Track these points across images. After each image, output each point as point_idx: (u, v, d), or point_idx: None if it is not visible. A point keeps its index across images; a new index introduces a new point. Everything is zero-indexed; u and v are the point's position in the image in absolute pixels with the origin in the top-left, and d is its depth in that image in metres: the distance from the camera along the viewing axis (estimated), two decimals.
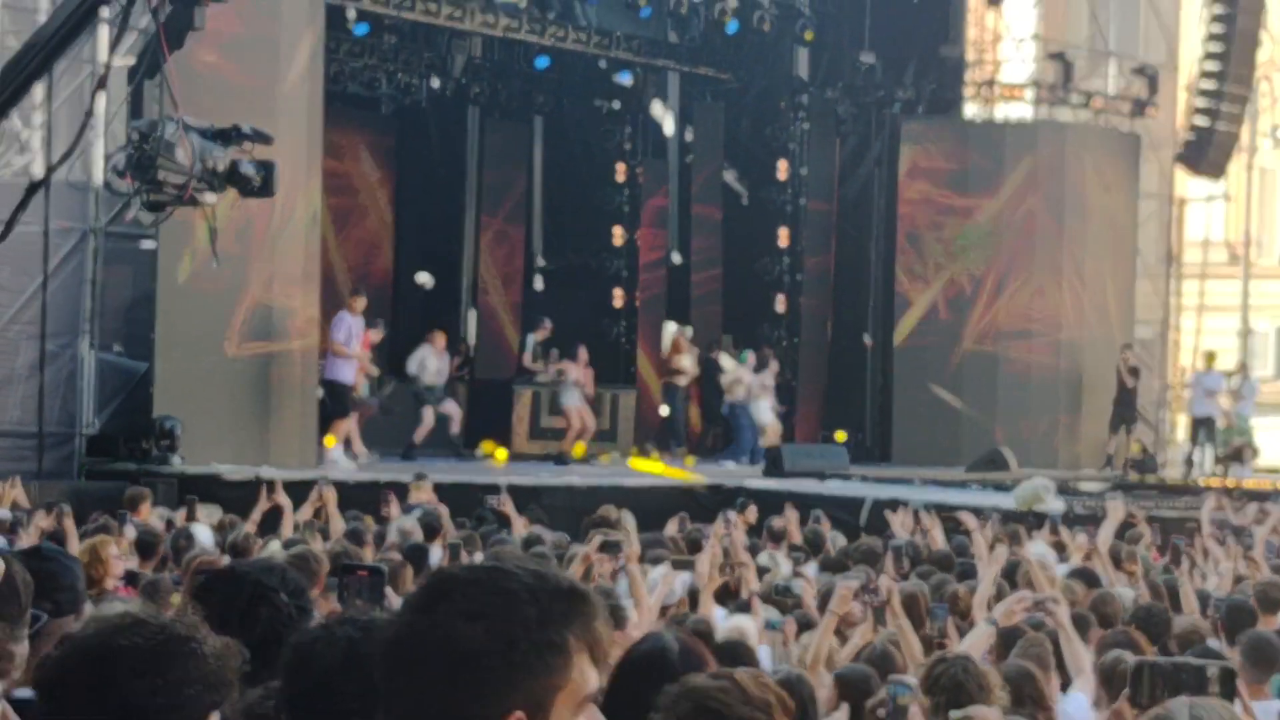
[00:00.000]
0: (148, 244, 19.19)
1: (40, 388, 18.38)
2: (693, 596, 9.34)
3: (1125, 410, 26.19)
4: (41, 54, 4.81)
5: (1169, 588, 10.79)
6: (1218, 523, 15.01)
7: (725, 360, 25.49)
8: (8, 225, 5.87)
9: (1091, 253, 26.55)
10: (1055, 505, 18.35)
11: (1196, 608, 10.30)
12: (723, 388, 25.09)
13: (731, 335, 26.80)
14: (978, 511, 14.99)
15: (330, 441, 20.18)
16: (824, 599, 8.68)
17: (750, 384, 24.64)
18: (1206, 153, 27.56)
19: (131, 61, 19.57)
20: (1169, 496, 21.04)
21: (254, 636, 3.79)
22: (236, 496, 15.51)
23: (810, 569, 11.68)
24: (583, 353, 23.78)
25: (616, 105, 28.06)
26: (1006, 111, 27.73)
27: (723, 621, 8.40)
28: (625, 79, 27.58)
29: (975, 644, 7.34)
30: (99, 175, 19.44)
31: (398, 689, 2.45)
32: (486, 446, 23.75)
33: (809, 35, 26.36)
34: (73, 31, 4.88)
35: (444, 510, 14.49)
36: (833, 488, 20.62)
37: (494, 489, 16.60)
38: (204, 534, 12.23)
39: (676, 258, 28.26)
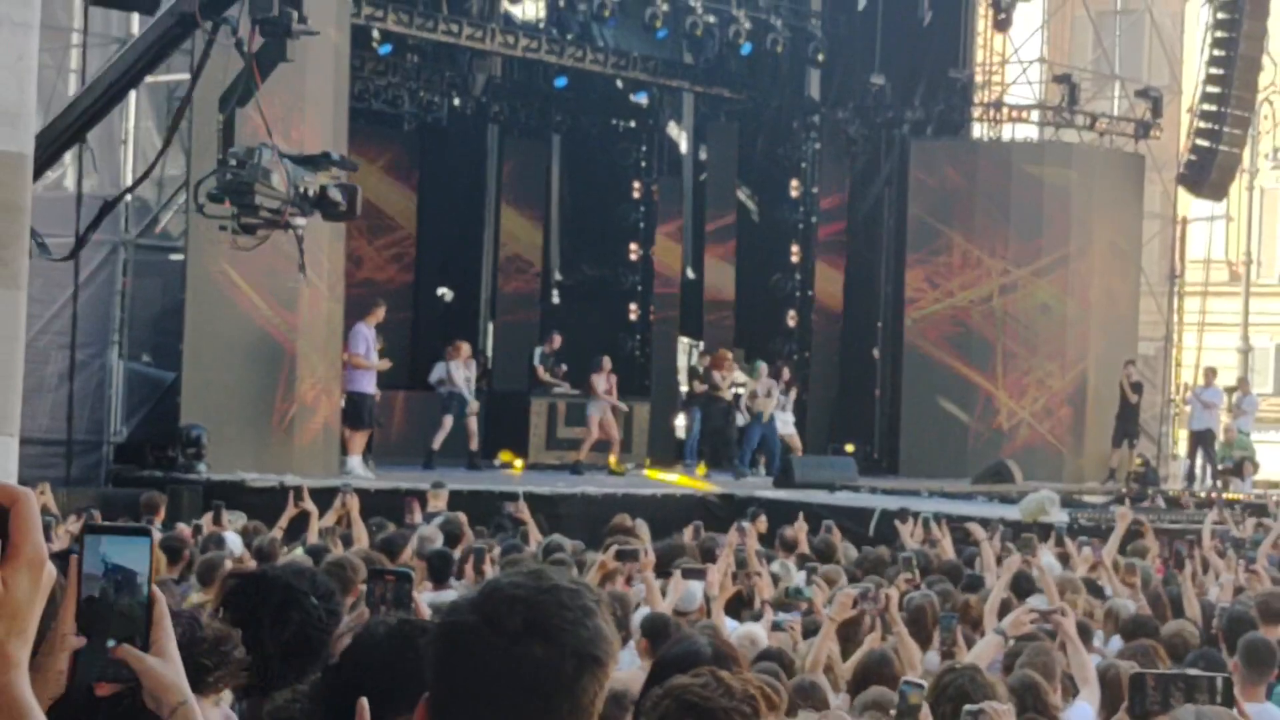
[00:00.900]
0: (176, 256, 19.59)
1: (69, 396, 18.61)
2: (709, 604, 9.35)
3: (1128, 425, 26.47)
4: (126, 78, 5.12)
5: (1172, 598, 10.96)
6: (1219, 535, 15.20)
7: (737, 374, 25.92)
8: (80, 242, 6.22)
9: (1096, 270, 26.93)
10: (1059, 517, 18.69)
11: (1199, 615, 10.59)
12: (745, 401, 25.48)
13: (743, 350, 27.22)
14: (984, 523, 15.37)
15: (351, 450, 20.54)
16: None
17: (775, 397, 25.03)
18: (1208, 174, 27.91)
19: (164, 79, 20.10)
20: (1170, 510, 21.37)
21: (284, 639, 3.99)
22: (261, 503, 15.79)
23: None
24: (606, 362, 24.07)
25: (633, 124, 28.53)
26: (1013, 132, 28.08)
27: (733, 630, 8.51)
28: (641, 99, 28.04)
29: (983, 654, 7.44)
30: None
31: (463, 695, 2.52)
32: (504, 456, 24.19)
33: (821, 57, 26.80)
34: (157, 58, 5.17)
35: (462, 518, 14.83)
36: (842, 499, 20.98)
37: (511, 497, 17.00)
38: (234, 540, 12.64)
39: (690, 273, 28.70)
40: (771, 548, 14.21)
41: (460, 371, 22.57)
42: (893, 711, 6.00)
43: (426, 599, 9.19)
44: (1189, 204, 30.85)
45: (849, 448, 26.38)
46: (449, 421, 22.38)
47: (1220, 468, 27.64)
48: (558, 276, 28.53)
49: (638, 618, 8.53)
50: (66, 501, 15.35)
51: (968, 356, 26.48)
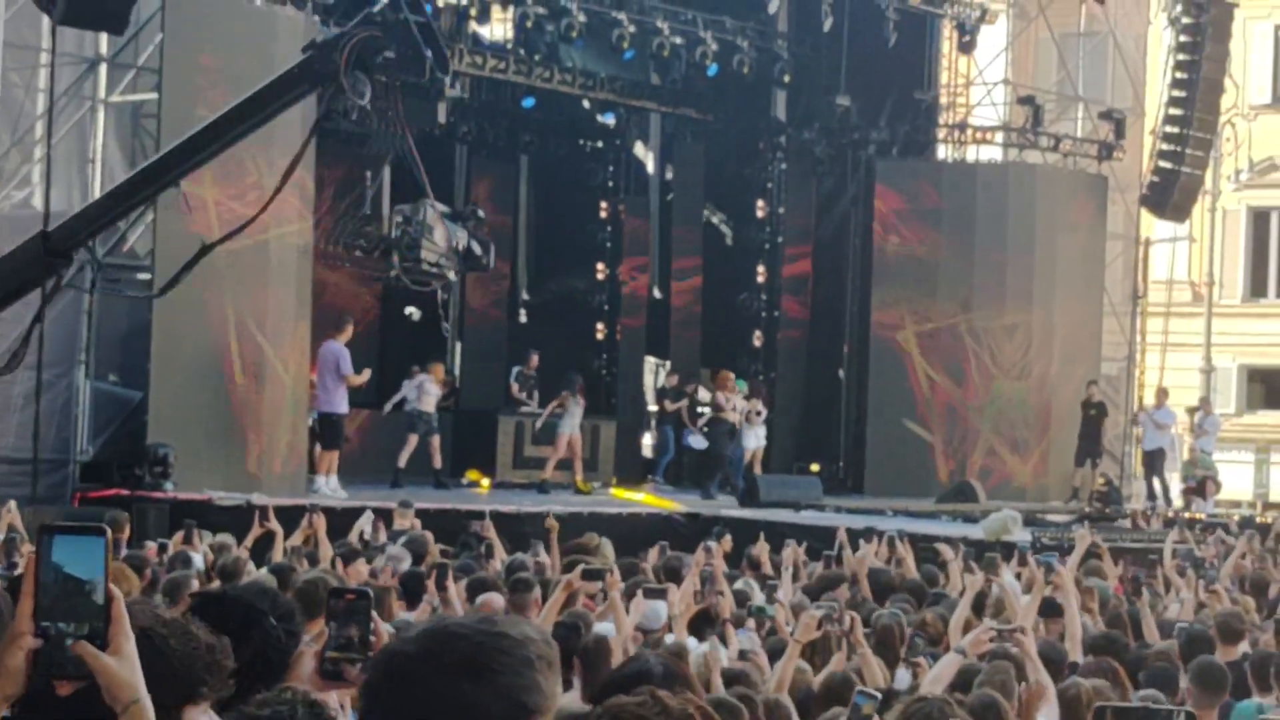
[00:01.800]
0: (144, 275, 19.58)
1: (36, 415, 18.59)
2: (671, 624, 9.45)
3: (1090, 444, 26.66)
4: (238, 131, 5.09)
5: (1131, 618, 11.08)
6: (1180, 555, 15.21)
7: (703, 393, 26.02)
8: (171, 282, 6.15)
9: (1059, 291, 27.09)
10: (1022, 536, 18.82)
11: (1159, 637, 10.56)
12: (706, 419, 25.58)
13: (709, 369, 27.31)
14: (948, 541, 15.47)
15: (322, 469, 20.57)
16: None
17: (741, 412, 25.14)
18: (1171, 195, 28.14)
19: (132, 98, 20.14)
20: (1132, 529, 21.52)
21: (244, 658, 3.90)
22: (227, 522, 15.78)
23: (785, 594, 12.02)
24: (580, 380, 24.11)
25: (600, 144, 28.62)
26: (978, 153, 28.25)
27: (694, 650, 8.48)
28: (609, 119, 28.15)
29: (943, 673, 7.54)
30: None
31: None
32: (471, 474, 24.22)
33: (787, 78, 26.95)
34: (276, 110, 5.14)
35: (429, 536, 14.87)
36: (807, 518, 21.09)
37: (478, 515, 17.04)
38: (199, 559, 12.66)
39: (657, 293, 28.80)
40: (737, 567, 14.30)
41: (433, 390, 22.61)
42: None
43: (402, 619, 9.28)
44: (1152, 225, 31.06)
45: (814, 467, 26.48)
46: (414, 440, 22.41)
47: (1183, 487, 27.85)
48: (525, 296, 28.60)
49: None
50: (33, 520, 15.28)
51: (933, 376, 26.61)
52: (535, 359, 25.04)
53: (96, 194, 19.74)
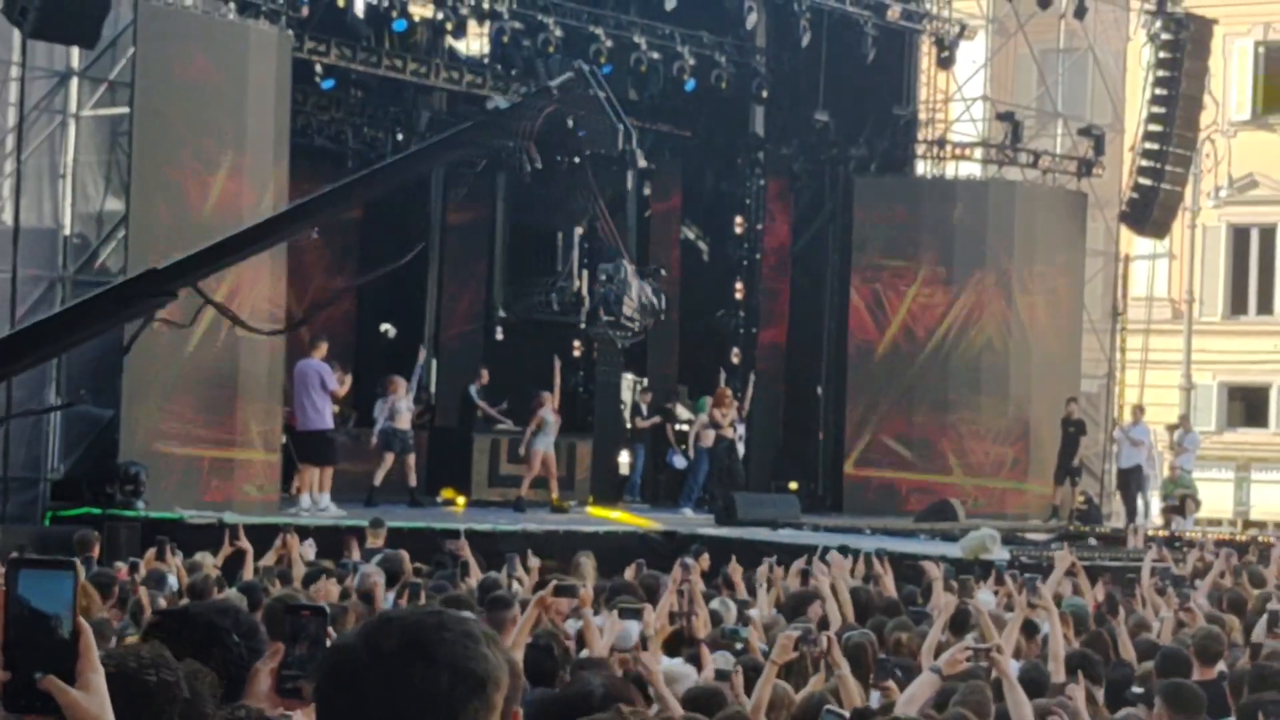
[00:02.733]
0: None
1: (5, 434, 18.48)
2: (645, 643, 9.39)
3: (1070, 462, 26.63)
4: (379, 188, 4.97)
5: (1111, 636, 10.99)
6: (1159, 573, 15.16)
7: (681, 410, 25.89)
8: (298, 322, 6.03)
9: (1039, 308, 27.05)
10: (1000, 555, 18.73)
11: (1134, 656, 10.54)
12: (688, 435, 25.52)
13: (687, 386, 27.18)
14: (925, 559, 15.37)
15: (303, 488, 20.43)
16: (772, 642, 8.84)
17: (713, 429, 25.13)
18: (1150, 212, 28.12)
19: (104, 112, 19.99)
20: (1112, 547, 21.46)
21: None
22: (199, 541, 15.68)
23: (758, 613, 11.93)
24: (552, 396, 24.02)
25: (576, 160, 28.45)
26: (957, 170, 28.23)
27: (666, 666, 8.48)
28: (585, 134, 28.00)
29: (918, 693, 7.43)
30: (68, 223, 19.73)
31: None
32: (447, 493, 24.06)
33: (765, 93, 26.87)
34: (431, 168, 5.02)
35: (404, 555, 14.76)
36: (785, 536, 20.97)
37: (452, 534, 16.91)
38: (174, 579, 12.54)
39: None
40: (714, 585, 14.19)
41: (404, 405, 22.48)
42: None
43: None
44: (1131, 241, 31.05)
45: (792, 485, 26.36)
46: (389, 458, 22.28)
47: (1163, 505, 27.79)
48: (501, 313, 28.41)
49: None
50: (3, 539, 15.19)
51: (911, 393, 26.54)
52: (485, 374, 25.02)
53: (67, 209, 19.66)
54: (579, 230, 23.40)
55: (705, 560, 15.75)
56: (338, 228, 24.98)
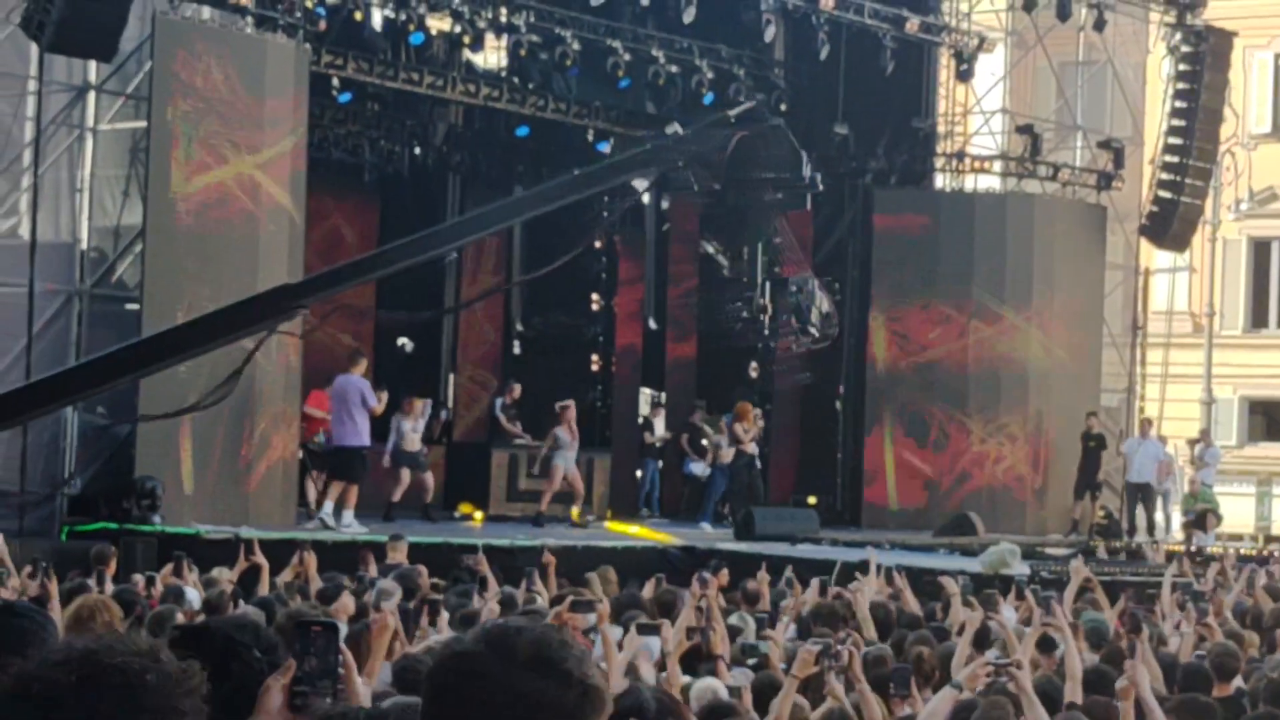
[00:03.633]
0: (132, 306, 19.40)
1: (23, 448, 18.47)
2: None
3: (1090, 477, 26.49)
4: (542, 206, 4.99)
5: (1131, 653, 11.04)
6: (1180, 588, 15.11)
7: (705, 427, 25.78)
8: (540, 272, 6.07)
9: (1059, 322, 26.92)
10: (1020, 570, 18.62)
11: (1160, 675, 10.55)
12: (706, 451, 25.43)
13: (705, 401, 27.08)
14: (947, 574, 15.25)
15: (328, 502, 20.34)
16: (791, 658, 8.74)
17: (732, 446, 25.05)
18: (1170, 225, 27.99)
19: (121, 126, 19.97)
20: (1132, 562, 21.32)
21: (223, 692, 3.84)
22: (215, 556, 15.61)
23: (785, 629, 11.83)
24: (571, 410, 23.89)
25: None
26: (976, 183, 28.12)
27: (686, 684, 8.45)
28: (604, 148, 27.96)
29: (938, 708, 7.41)
30: (85, 237, 19.71)
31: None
32: (464, 508, 23.98)
33: (784, 107, 26.77)
34: (603, 188, 5.10)
35: (421, 569, 14.68)
36: (804, 551, 20.86)
37: (470, 549, 16.83)
38: (193, 594, 12.46)
39: (653, 324, 28.57)
40: (732, 600, 14.10)
41: (409, 425, 22.40)
42: None
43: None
44: (1151, 255, 30.94)
45: (811, 500, 26.24)
46: (405, 475, 22.19)
47: (1183, 520, 27.63)
48: (519, 327, 28.37)
49: None
50: (20, 554, 15.09)
51: (930, 407, 26.43)
52: (517, 389, 24.85)
53: (84, 222, 19.63)
54: (598, 244, 23.42)
55: (724, 576, 15.66)
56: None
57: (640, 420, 27.55)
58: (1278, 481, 34.84)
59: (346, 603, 11.90)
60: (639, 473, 26.90)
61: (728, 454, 25.07)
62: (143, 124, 19.46)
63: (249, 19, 20.33)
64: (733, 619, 12.12)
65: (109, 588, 12.53)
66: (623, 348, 28.14)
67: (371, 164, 26.95)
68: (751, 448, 25.13)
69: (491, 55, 25.69)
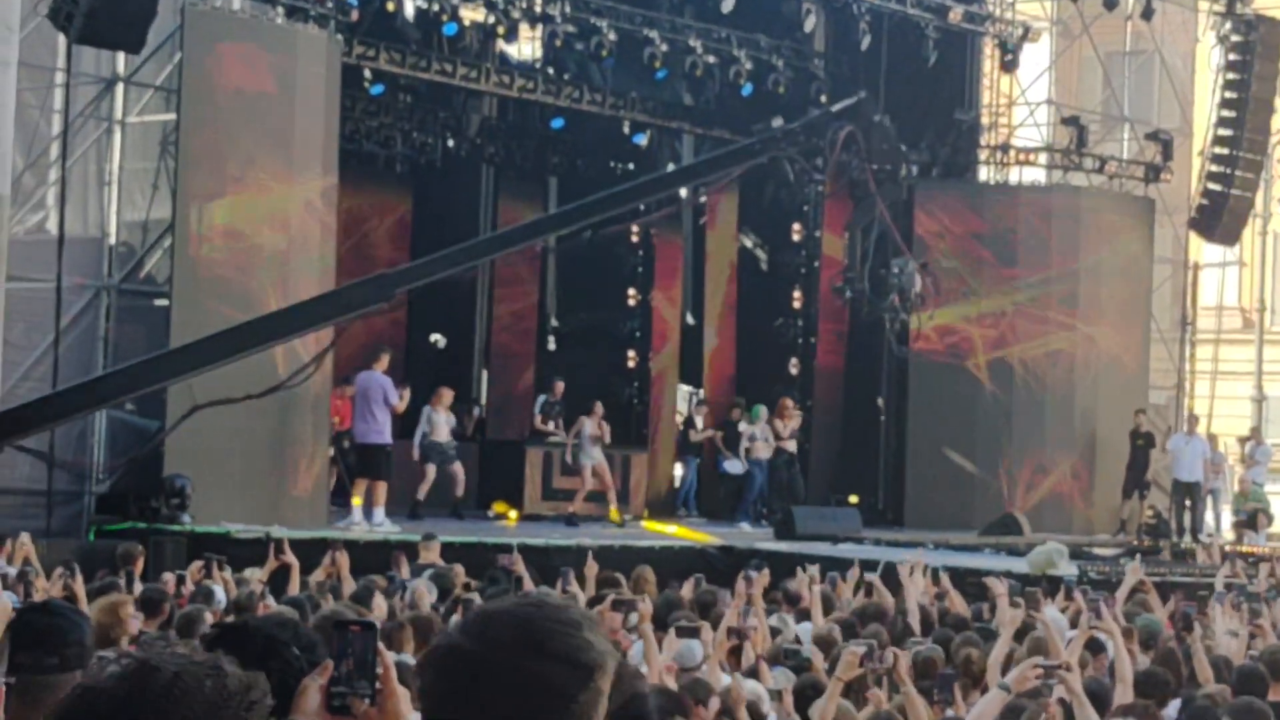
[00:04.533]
0: (161, 301, 19.20)
1: (51, 446, 18.27)
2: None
3: (1138, 475, 26.11)
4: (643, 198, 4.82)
5: (1184, 656, 10.76)
6: (1233, 588, 14.86)
7: (743, 426, 25.43)
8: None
9: (1106, 317, 26.52)
10: (1068, 570, 18.29)
11: (1211, 675, 10.26)
12: (741, 445, 25.13)
13: (744, 398, 26.71)
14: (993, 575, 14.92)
15: (357, 501, 20.08)
16: (834, 662, 8.66)
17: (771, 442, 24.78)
18: (1220, 218, 27.56)
19: (150, 119, 19.73)
20: (1182, 562, 20.95)
21: None
22: (245, 555, 15.41)
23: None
24: (598, 407, 23.64)
25: (631, 166, 28.12)
26: (1020, 175, 27.76)
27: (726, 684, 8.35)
28: (640, 140, 27.67)
29: (985, 711, 7.31)
30: (113, 231, 19.52)
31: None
32: (499, 507, 23.66)
33: (824, 98, 26.38)
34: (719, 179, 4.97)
35: (458, 569, 14.48)
36: (845, 551, 20.51)
37: (505, 548, 16.55)
38: (222, 593, 12.24)
39: (690, 319, 28.24)
40: (772, 600, 13.85)
41: (441, 418, 22.08)
42: None
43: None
44: (1201, 249, 30.52)
45: (853, 499, 25.86)
46: (431, 471, 21.85)
47: (1234, 520, 27.21)
48: (554, 323, 28.07)
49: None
50: (47, 553, 14.92)
51: (975, 405, 26.04)
52: (560, 386, 24.51)
53: (113, 216, 19.39)
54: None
55: (766, 575, 15.38)
56: None
57: (681, 418, 27.23)
58: None
59: (379, 605, 11.72)
60: (679, 470, 26.57)
61: (762, 448, 24.73)
62: (172, 117, 19.24)
63: (280, 10, 20.11)
64: (773, 620, 11.93)
65: (137, 587, 12.37)
66: (660, 344, 27.81)
67: (404, 156, 26.72)
68: (790, 445, 24.80)
69: (526, 46, 25.46)
